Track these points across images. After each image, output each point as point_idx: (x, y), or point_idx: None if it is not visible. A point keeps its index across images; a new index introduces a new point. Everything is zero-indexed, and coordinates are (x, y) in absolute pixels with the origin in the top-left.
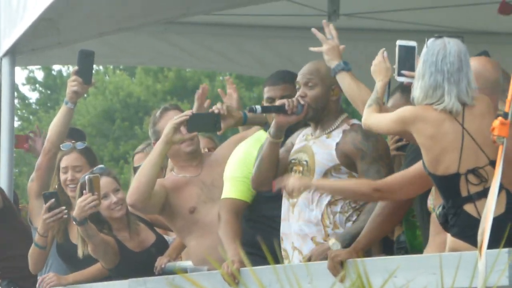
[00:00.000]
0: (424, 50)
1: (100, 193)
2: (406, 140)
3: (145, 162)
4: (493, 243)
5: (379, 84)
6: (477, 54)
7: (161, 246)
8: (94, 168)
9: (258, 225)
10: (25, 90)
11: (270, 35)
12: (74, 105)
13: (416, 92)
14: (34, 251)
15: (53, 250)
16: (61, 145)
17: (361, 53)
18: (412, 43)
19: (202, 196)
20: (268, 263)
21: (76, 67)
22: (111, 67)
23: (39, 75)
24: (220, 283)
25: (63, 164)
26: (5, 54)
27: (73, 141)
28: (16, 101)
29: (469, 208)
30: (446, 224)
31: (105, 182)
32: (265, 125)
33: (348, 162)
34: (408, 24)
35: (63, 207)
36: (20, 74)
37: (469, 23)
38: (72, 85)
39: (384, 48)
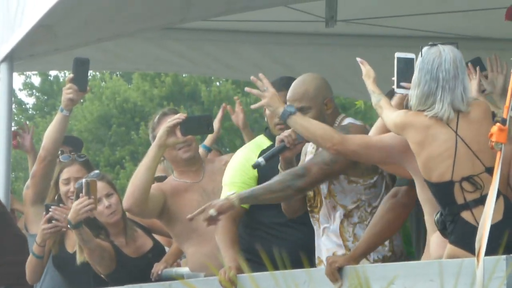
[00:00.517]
0: (419, 58)
1: (96, 197)
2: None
3: (139, 166)
4: (492, 250)
5: (369, 85)
6: (470, 60)
7: (158, 252)
8: (90, 173)
9: (256, 232)
10: (22, 95)
11: (267, 41)
12: (69, 112)
13: (412, 100)
14: (32, 261)
15: (49, 261)
16: (60, 157)
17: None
18: (411, 55)
19: (202, 203)
20: (266, 270)
21: (71, 75)
22: (108, 72)
23: (36, 80)
24: None
25: (64, 176)
26: (3, 60)
27: (72, 153)
28: (13, 106)
29: (466, 215)
30: (444, 231)
31: (98, 186)
32: (265, 130)
33: None
34: (405, 30)
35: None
36: (17, 80)
37: (464, 29)
38: (67, 93)
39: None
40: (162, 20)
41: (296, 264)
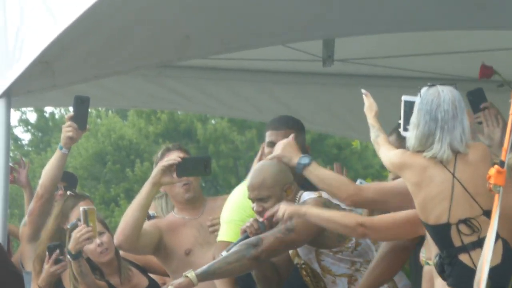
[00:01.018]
0: (418, 99)
1: (95, 225)
2: None
3: (132, 203)
4: None
5: (369, 122)
6: (471, 91)
7: None
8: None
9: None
10: (18, 131)
11: (265, 80)
12: (68, 150)
13: (411, 141)
14: None
15: None
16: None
17: (355, 99)
18: (417, 98)
19: (199, 238)
20: None
21: (71, 113)
22: (104, 109)
23: (32, 116)
24: None
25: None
26: (1, 96)
27: (69, 192)
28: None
29: (464, 258)
30: (443, 273)
31: None
32: None
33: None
34: (403, 71)
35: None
36: (13, 116)
37: (462, 70)
38: (67, 131)
39: (362, 90)
40: (159, 58)
41: None
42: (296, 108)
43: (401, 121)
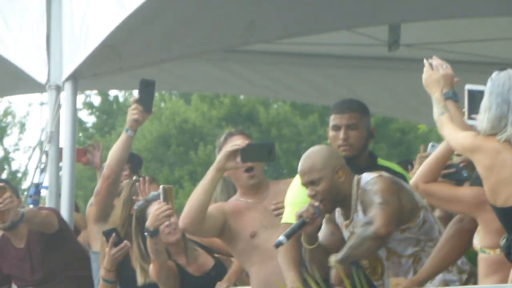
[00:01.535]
0: (489, 83)
1: (174, 204)
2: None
3: (197, 188)
4: None
5: (436, 97)
6: None
7: (220, 270)
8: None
9: None
10: (82, 114)
11: (329, 64)
12: (134, 132)
13: (483, 124)
14: (104, 287)
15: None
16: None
17: (420, 83)
18: (481, 88)
19: (263, 221)
20: None
21: (137, 96)
22: (167, 93)
23: (96, 100)
24: None
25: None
26: (67, 79)
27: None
28: None
29: None
30: (509, 255)
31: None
32: None
33: None
34: (468, 55)
35: (126, 241)
36: (78, 99)
37: None
38: (133, 113)
39: (427, 59)
40: (224, 43)
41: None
42: (361, 93)
43: (466, 110)
